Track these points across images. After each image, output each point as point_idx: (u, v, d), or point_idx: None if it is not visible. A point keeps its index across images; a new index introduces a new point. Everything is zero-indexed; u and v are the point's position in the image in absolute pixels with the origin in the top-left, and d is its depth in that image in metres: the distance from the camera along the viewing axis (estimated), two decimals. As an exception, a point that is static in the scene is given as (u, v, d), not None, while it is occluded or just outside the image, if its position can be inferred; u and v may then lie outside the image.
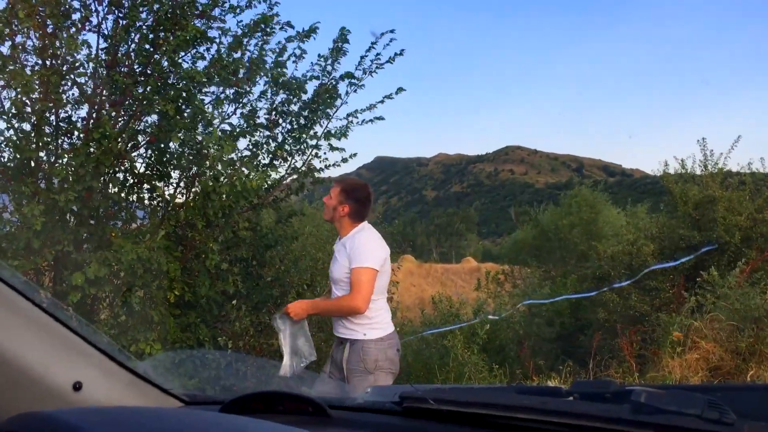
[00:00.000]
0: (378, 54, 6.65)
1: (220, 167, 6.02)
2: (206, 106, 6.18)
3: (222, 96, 6.41)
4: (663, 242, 12.96)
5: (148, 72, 5.95)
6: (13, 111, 5.36)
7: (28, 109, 5.39)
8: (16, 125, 5.45)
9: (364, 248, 3.67)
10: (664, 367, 7.33)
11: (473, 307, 18.01)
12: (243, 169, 6.17)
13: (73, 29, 5.67)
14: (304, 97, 6.62)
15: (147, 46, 5.92)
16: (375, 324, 3.69)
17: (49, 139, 5.60)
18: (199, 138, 5.97)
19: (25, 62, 5.55)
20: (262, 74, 6.38)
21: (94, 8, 5.88)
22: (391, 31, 6.67)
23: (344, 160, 6.95)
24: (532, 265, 24.70)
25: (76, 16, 5.79)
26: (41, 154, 5.61)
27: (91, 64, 5.81)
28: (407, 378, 8.70)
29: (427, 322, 14.83)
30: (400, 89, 6.80)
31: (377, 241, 3.80)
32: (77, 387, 1.06)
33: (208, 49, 6.21)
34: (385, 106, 6.84)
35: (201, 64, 6.21)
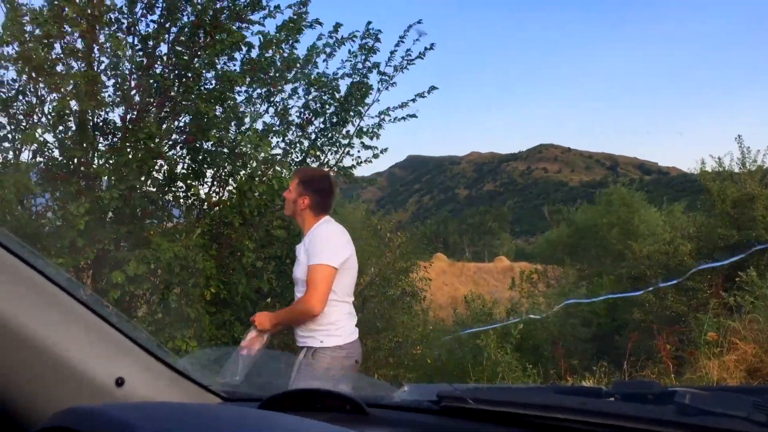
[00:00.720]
0: (408, 50, 6.66)
1: (255, 165, 6.08)
2: (240, 106, 6.25)
3: (255, 95, 6.47)
4: (701, 241, 12.73)
5: (185, 73, 6.04)
6: (58, 113, 5.48)
7: (72, 110, 5.50)
8: (60, 126, 5.58)
9: (321, 243, 3.28)
10: (701, 368, 7.18)
11: (507, 307, 17.92)
12: (277, 167, 6.22)
13: (116, 31, 5.78)
14: (337, 95, 6.65)
15: (181, 48, 6.01)
16: (333, 330, 3.27)
17: (90, 139, 5.72)
18: (233, 137, 6.04)
19: (70, 65, 5.69)
20: (294, 71, 6.42)
21: (134, 10, 5.99)
22: (419, 22, 6.66)
23: (375, 156, 6.96)
24: (566, 265, 24.44)
25: (114, 18, 5.91)
26: (83, 153, 5.73)
27: (130, 66, 5.91)
28: (440, 377, 8.68)
29: (460, 321, 14.80)
30: (432, 87, 6.79)
31: (339, 235, 3.40)
32: (120, 382, 1.08)
33: (245, 51, 6.28)
34: (418, 105, 6.84)
35: (234, 65, 6.28)
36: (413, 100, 6.70)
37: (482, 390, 1.14)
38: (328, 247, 3.26)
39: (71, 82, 5.31)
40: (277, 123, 6.61)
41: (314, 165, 6.80)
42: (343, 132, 6.73)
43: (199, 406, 1.05)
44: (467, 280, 45.21)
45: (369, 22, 6.69)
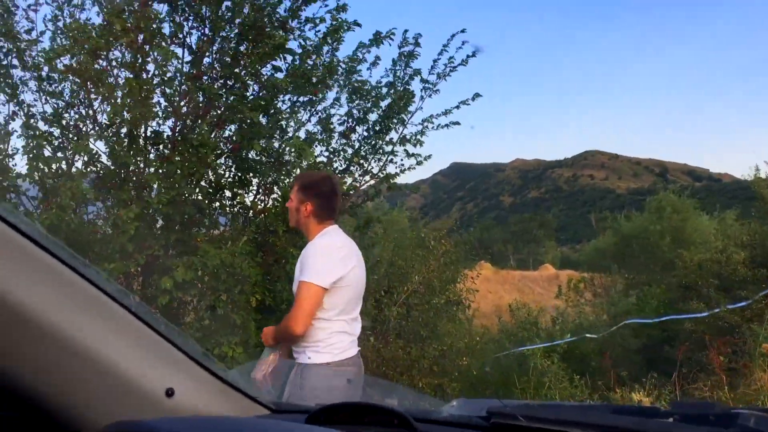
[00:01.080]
0: (451, 57, 6.63)
1: (298, 173, 6.13)
2: (284, 114, 6.32)
3: (298, 104, 6.53)
4: (755, 250, 12.33)
5: (231, 83, 6.15)
6: (108, 122, 5.63)
7: (123, 120, 5.64)
8: (111, 136, 5.73)
9: (311, 259, 3.03)
10: (756, 380, 6.95)
11: (553, 316, 17.65)
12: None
13: (163, 43, 5.91)
14: (381, 102, 6.67)
15: (228, 59, 6.11)
16: (322, 347, 3.06)
17: (140, 148, 5.85)
18: (277, 145, 6.11)
19: (118, 76, 5.85)
20: (336, 79, 6.46)
21: (180, 22, 6.12)
22: (462, 31, 6.63)
23: (419, 163, 6.94)
24: (614, 273, 23.97)
25: (165, 30, 6.05)
26: (133, 162, 5.86)
27: (180, 76, 6.04)
28: (485, 387, 8.59)
29: (505, 330, 14.63)
30: (476, 95, 6.75)
31: (334, 251, 3.10)
32: (169, 393, 1.08)
33: (286, 59, 6.35)
34: (462, 112, 6.81)
35: (278, 74, 6.36)
36: (457, 107, 6.68)
37: (533, 407, 1.11)
38: (317, 264, 3.01)
39: (121, 93, 5.45)
40: (320, 132, 6.66)
41: (358, 173, 6.82)
42: (386, 139, 6.73)
43: (248, 420, 1.04)
44: (512, 288, 44.74)
45: (405, 30, 6.71)
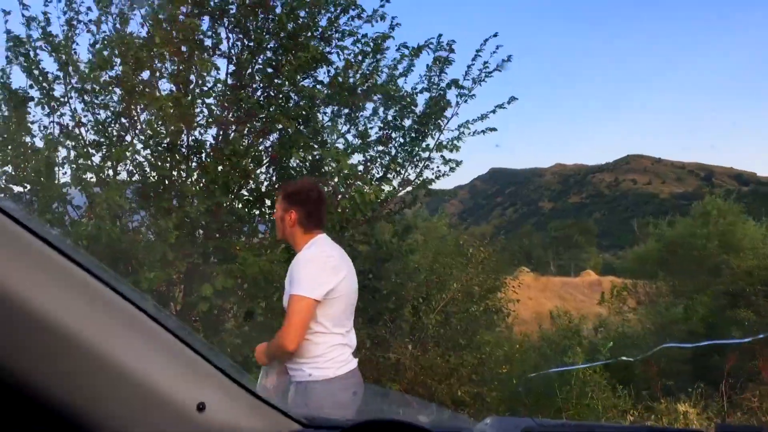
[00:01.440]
0: (486, 62, 6.59)
1: (336, 182, 6.16)
2: (322, 124, 6.37)
3: (337, 114, 6.57)
4: (806, 257, 11.94)
5: (271, 93, 6.22)
6: (150, 133, 5.75)
7: (163, 131, 5.75)
8: (154, 146, 5.84)
9: (300, 270, 2.87)
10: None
11: (595, 324, 17.33)
12: (358, 183, 6.28)
13: (205, 54, 6.01)
14: (416, 110, 6.67)
15: (269, 70, 6.18)
16: (322, 363, 2.91)
17: (181, 159, 5.95)
18: (317, 154, 6.14)
19: (161, 87, 5.97)
20: (375, 91, 6.49)
21: (224, 34, 6.24)
22: (495, 35, 6.59)
23: (452, 170, 6.91)
24: (659, 280, 23.45)
25: (207, 42, 6.17)
26: (174, 172, 5.97)
27: (221, 87, 6.13)
28: (524, 397, 8.46)
29: (545, 338, 14.43)
30: (512, 98, 6.69)
31: (323, 260, 2.94)
32: (201, 408, 1.08)
33: (327, 71, 6.39)
34: (500, 117, 6.76)
35: (317, 86, 6.41)
36: (493, 112, 6.63)
37: (569, 426, 1.07)
38: (307, 276, 2.86)
39: (164, 104, 5.55)
40: (358, 141, 6.69)
41: (395, 180, 6.81)
42: (423, 146, 6.72)
43: None
44: (552, 295, 44.18)
45: (440, 35, 6.68)
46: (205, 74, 5.88)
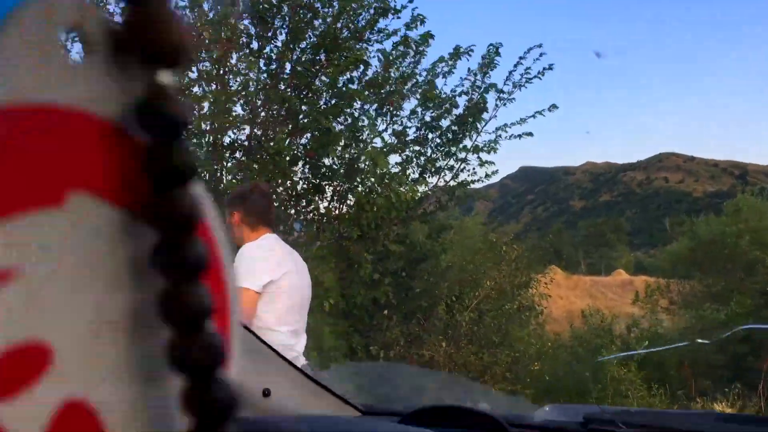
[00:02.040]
0: (527, 68, 6.61)
1: (373, 180, 6.21)
2: (359, 122, 6.42)
3: (375, 113, 6.62)
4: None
5: (307, 93, 6.29)
6: (195, 130, 5.84)
7: (205, 127, 5.84)
8: (194, 144, 5.94)
9: (240, 264, 2.82)
10: None
11: (628, 323, 17.09)
12: (394, 183, 6.32)
13: (246, 54, 6.10)
14: (455, 111, 6.70)
15: (305, 69, 6.25)
16: None
17: (220, 157, 6.04)
18: (352, 153, 6.20)
19: (202, 86, 6.06)
20: (413, 91, 6.53)
21: (261, 33, 6.30)
22: (539, 46, 6.63)
23: (487, 176, 6.96)
24: (694, 279, 23.04)
25: (244, 42, 6.24)
26: (214, 170, 6.06)
27: (258, 85, 6.21)
28: (558, 394, 8.42)
29: (577, 336, 14.31)
30: (553, 106, 6.71)
31: (263, 252, 2.90)
32: (266, 393, 1.12)
33: (366, 72, 6.44)
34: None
35: (353, 84, 6.46)
36: (532, 117, 6.65)
37: (632, 413, 1.09)
38: (243, 267, 2.80)
39: (207, 103, 5.65)
40: (395, 141, 6.73)
41: (431, 179, 6.85)
42: (460, 146, 6.75)
43: (344, 419, 1.07)
44: (583, 294, 43.69)
45: (490, 44, 6.71)
46: (246, 73, 5.96)
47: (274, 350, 1.18)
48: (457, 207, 8.08)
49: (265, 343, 1.17)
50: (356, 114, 6.42)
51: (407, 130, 6.77)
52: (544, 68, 6.62)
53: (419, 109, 6.76)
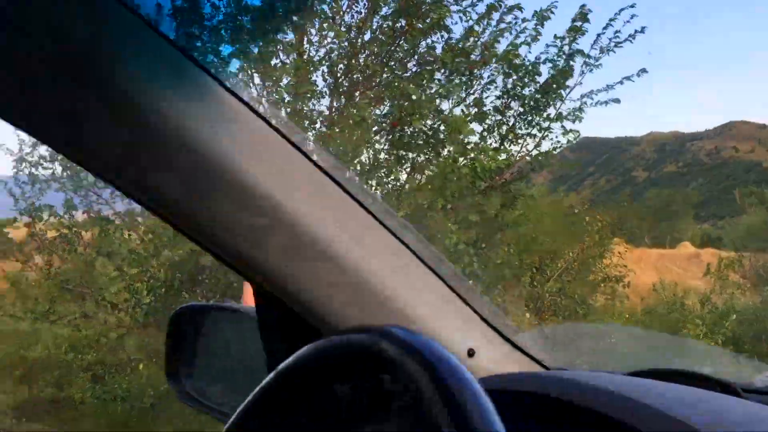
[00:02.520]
0: (617, 31, 6.36)
1: (453, 150, 6.14)
2: (441, 91, 6.34)
3: (456, 81, 6.51)
4: None
5: (387, 61, 6.24)
6: (277, 100, 5.89)
7: (287, 98, 5.88)
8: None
9: None
10: None
11: (700, 297, 16.59)
12: (476, 152, 6.24)
13: (324, 22, 6.08)
14: (538, 79, 6.53)
15: (383, 37, 6.19)
16: None
17: (301, 127, 6.08)
18: (438, 122, 6.14)
19: (282, 58, 6.09)
20: (495, 59, 6.39)
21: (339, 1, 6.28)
22: (632, 6, 6.36)
23: (569, 142, 6.77)
24: None
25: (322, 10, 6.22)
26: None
27: (336, 53, 6.20)
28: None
29: (650, 311, 14.00)
30: (642, 70, 6.47)
31: None
32: (471, 353, 1.12)
33: (444, 37, 6.34)
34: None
35: (435, 50, 6.37)
36: (620, 83, 6.42)
37: None
38: None
39: (286, 73, 5.67)
40: (476, 109, 6.62)
41: (512, 148, 6.72)
42: (544, 115, 6.59)
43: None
44: (647, 267, 42.56)
45: (583, 5, 6.47)
46: (326, 43, 5.96)
47: (476, 312, 1.18)
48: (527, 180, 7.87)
49: (469, 304, 1.16)
50: (442, 81, 6.33)
51: (485, 99, 6.64)
52: (636, 30, 6.36)
53: (500, 78, 6.62)
